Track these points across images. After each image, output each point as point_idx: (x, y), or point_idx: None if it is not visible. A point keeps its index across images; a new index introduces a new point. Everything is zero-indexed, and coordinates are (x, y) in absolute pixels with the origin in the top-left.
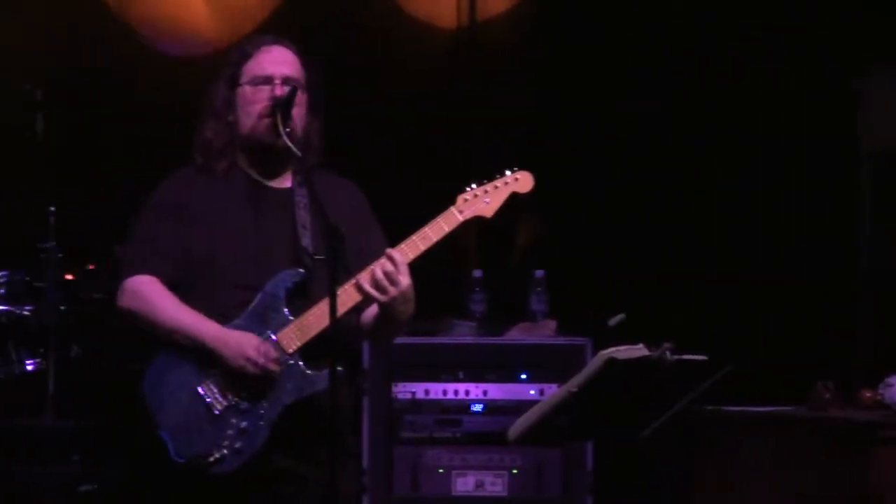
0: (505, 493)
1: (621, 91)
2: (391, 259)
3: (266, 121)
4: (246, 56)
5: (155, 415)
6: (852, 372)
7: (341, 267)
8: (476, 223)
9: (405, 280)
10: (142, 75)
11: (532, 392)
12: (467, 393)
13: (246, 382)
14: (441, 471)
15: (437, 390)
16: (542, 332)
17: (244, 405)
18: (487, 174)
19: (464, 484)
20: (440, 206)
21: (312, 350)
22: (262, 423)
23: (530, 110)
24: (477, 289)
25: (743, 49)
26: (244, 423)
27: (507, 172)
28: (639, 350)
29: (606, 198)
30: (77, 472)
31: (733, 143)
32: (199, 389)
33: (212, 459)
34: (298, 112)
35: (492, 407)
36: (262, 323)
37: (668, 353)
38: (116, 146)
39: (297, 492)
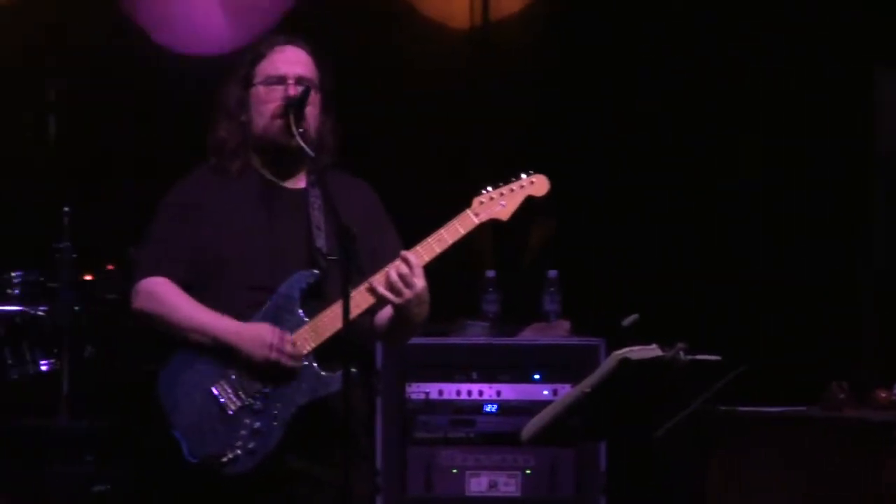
0: (518, 494)
1: (634, 91)
2: (406, 261)
3: (279, 121)
4: (259, 56)
5: (169, 415)
6: (864, 372)
7: (354, 267)
8: (490, 224)
9: (420, 282)
10: (154, 75)
11: (545, 392)
12: (481, 393)
13: (262, 378)
14: (454, 471)
15: (450, 391)
16: (555, 333)
17: (258, 406)
18: (500, 174)
19: (477, 484)
20: (453, 206)
21: (327, 351)
22: (275, 423)
23: (543, 110)
24: (490, 289)
25: (743, 49)
26: (258, 424)
27: (523, 175)
28: (652, 350)
29: (620, 197)
30: (91, 472)
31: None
32: (214, 390)
33: (225, 460)
34: (312, 112)
35: (505, 407)
36: (276, 324)
37: (681, 353)
38: (129, 146)
39: (311, 493)
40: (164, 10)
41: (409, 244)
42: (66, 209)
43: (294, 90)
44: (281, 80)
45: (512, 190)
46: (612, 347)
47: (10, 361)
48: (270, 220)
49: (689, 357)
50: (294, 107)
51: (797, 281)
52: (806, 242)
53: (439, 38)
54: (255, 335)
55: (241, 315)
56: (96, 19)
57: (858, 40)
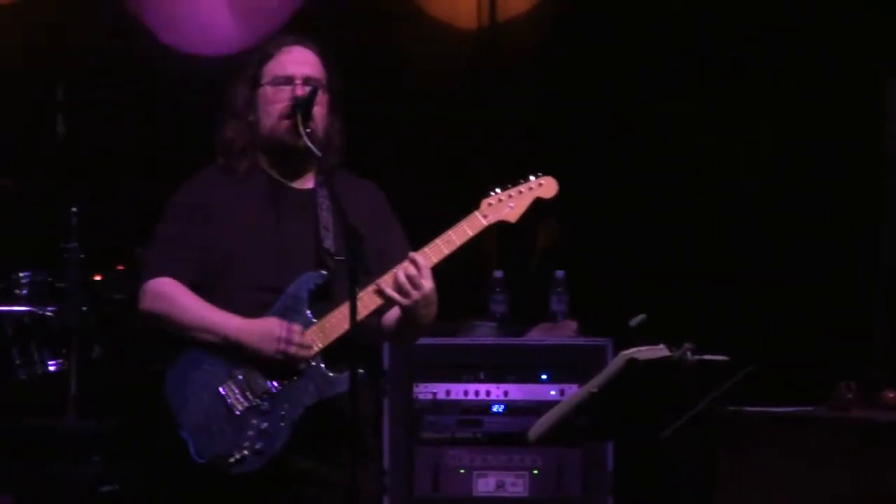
0: (526, 494)
1: (638, 91)
2: (414, 262)
3: (286, 122)
4: (267, 56)
5: (176, 415)
6: (873, 372)
7: (361, 268)
8: (497, 225)
9: (428, 284)
10: (162, 75)
11: (553, 392)
12: (488, 393)
13: (273, 374)
14: (462, 471)
15: (457, 391)
16: (562, 333)
17: (265, 406)
18: (507, 175)
19: (485, 484)
20: (459, 206)
21: (334, 352)
22: (282, 424)
23: (550, 111)
24: (498, 289)
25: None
26: (265, 425)
27: (532, 177)
28: (660, 350)
29: (624, 197)
30: (98, 472)
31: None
32: (221, 390)
33: (232, 460)
34: (319, 112)
35: (512, 407)
36: None
37: (688, 353)
38: (137, 146)
39: (318, 493)
40: (171, 10)
41: (416, 244)
42: (74, 209)
43: (302, 90)
44: (289, 80)
45: (520, 192)
46: (619, 347)
47: (18, 362)
48: (278, 220)
49: (697, 357)
50: (301, 107)
51: (806, 281)
52: (810, 242)
53: (446, 39)
54: (263, 330)
55: (249, 315)
56: (104, 19)
57: (860, 40)
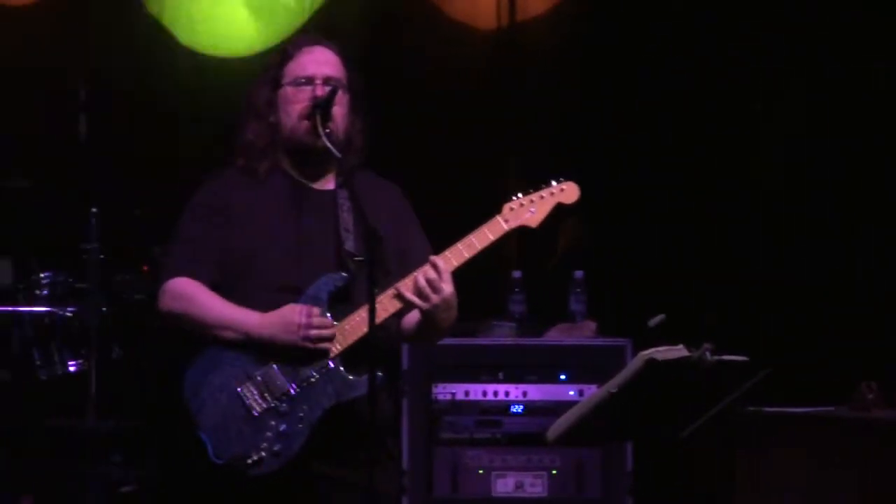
0: (545, 494)
1: (654, 90)
2: (435, 266)
3: (306, 122)
4: (287, 57)
5: (195, 415)
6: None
7: (380, 269)
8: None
9: (448, 288)
10: (184, 77)
11: (571, 393)
12: (507, 394)
13: (294, 373)
14: (481, 472)
15: (476, 391)
16: (581, 333)
17: (283, 408)
18: (528, 175)
19: (503, 485)
20: (478, 206)
21: (353, 355)
22: (300, 426)
23: (570, 111)
24: (517, 290)
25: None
26: (283, 427)
27: (553, 182)
28: (679, 351)
29: (646, 197)
30: (118, 472)
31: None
32: (240, 391)
33: (250, 461)
34: (340, 112)
35: (531, 408)
36: None
37: (707, 353)
38: (159, 147)
39: (336, 494)
40: (192, 14)
41: (433, 244)
42: (94, 210)
43: (322, 90)
44: (309, 80)
45: (542, 197)
46: (638, 348)
47: (38, 362)
48: (298, 221)
49: (716, 358)
50: (321, 107)
51: (833, 282)
52: (825, 242)
53: (466, 40)
54: (283, 320)
55: None
56: (125, 21)
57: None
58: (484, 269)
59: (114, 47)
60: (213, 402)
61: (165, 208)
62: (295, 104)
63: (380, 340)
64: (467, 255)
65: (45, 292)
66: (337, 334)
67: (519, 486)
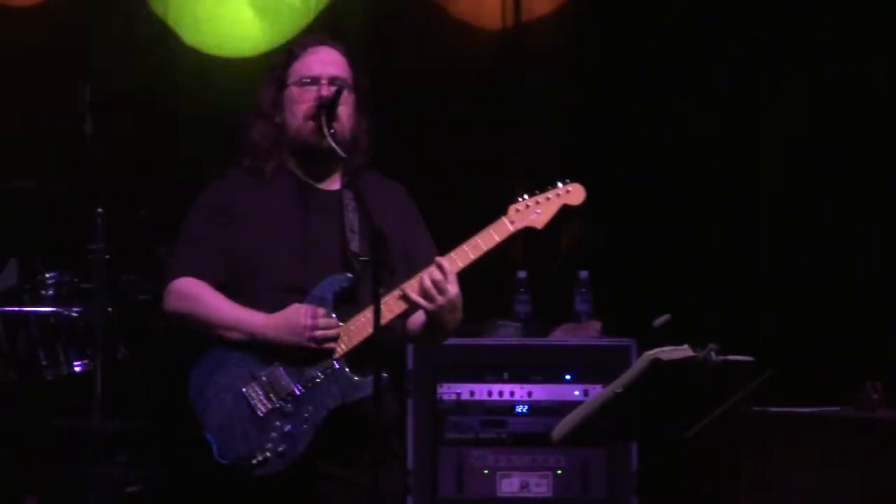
0: (550, 494)
1: (663, 90)
2: (440, 267)
3: (311, 123)
4: (293, 57)
5: (200, 416)
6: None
7: (385, 269)
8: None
9: (453, 289)
10: (189, 77)
11: (577, 393)
12: (512, 394)
13: (299, 374)
14: (486, 472)
15: (481, 391)
16: (586, 333)
17: (288, 408)
18: (531, 174)
19: (509, 485)
20: (481, 206)
21: (358, 355)
22: (306, 426)
23: (574, 111)
24: (522, 290)
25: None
26: (288, 427)
27: (559, 184)
28: (684, 351)
29: (649, 197)
30: (123, 472)
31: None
32: (245, 391)
33: (255, 462)
34: (345, 112)
35: (536, 408)
36: None
37: (712, 353)
38: (164, 147)
39: (341, 494)
40: (197, 13)
41: (438, 244)
42: (100, 210)
43: (327, 90)
44: (314, 80)
45: (548, 198)
46: (643, 348)
47: (44, 362)
48: (304, 221)
49: (721, 357)
50: (326, 107)
51: (839, 281)
52: (825, 242)
53: (470, 40)
54: (288, 320)
55: None
56: (131, 20)
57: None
58: (489, 269)
59: (118, 47)
60: (219, 403)
61: (170, 208)
62: (300, 104)
63: (385, 341)
64: (473, 256)
65: (51, 292)
66: (342, 335)
67: (524, 486)
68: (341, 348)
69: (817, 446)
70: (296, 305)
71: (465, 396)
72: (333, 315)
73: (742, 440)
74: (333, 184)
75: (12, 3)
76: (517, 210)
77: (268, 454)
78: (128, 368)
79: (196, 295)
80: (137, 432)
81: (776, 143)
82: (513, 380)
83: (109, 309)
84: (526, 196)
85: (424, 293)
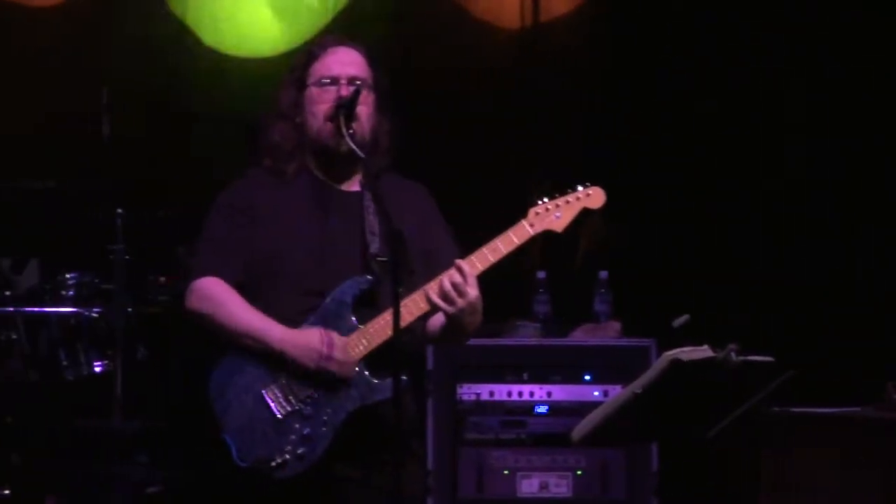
0: (570, 495)
1: (687, 91)
2: (460, 270)
3: (330, 124)
4: (313, 58)
5: (220, 417)
6: None
7: (405, 270)
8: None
9: (473, 292)
10: (207, 77)
11: (596, 393)
12: (532, 394)
13: (312, 384)
14: (506, 472)
15: (501, 392)
16: (606, 334)
17: (308, 411)
18: (551, 175)
19: (528, 485)
20: (501, 207)
21: (378, 358)
22: (324, 429)
23: (594, 111)
24: (541, 290)
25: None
26: (307, 430)
27: (580, 187)
28: (703, 351)
29: (668, 198)
30: (143, 473)
31: None
32: (264, 393)
33: (274, 464)
34: (365, 111)
35: (556, 408)
36: (327, 329)
37: (732, 354)
38: (182, 148)
39: (360, 496)
40: (215, 14)
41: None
42: (120, 211)
43: (346, 91)
44: (334, 80)
45: (568, 202)
46: (662, 348)
47: (64, 363)
48: (324, 223)
49: (741, 358)
50: (345, 107)
51: (853, 282)
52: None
53: (489, 40)
54: (304, 342)
55: (293, 320)
56: (148, 21)
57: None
58: (508, 269)
59: (137, 48)
60: (239, 404)
61: (190, 209)
62: (320, 105)
63: (404, 343)
64: (493, 259)
65: (72, 293)
66: (361, 337)
67: (544, 486)
68: (362, 351)
69: (838, 446)
70: (315, 329)
71: (485, 397)
72: (353, 318)
73: (762, 440)
74: (354, 185)
75: (32, 4)
76: (537, 213)
77: (287, 457)
78: (148, 369)
79: (219, 298)
80: (157, 433)
81: (776, 145)
82: (532, 380)
83: (130, 309)
84: (546, 199)
85: (444, 296)
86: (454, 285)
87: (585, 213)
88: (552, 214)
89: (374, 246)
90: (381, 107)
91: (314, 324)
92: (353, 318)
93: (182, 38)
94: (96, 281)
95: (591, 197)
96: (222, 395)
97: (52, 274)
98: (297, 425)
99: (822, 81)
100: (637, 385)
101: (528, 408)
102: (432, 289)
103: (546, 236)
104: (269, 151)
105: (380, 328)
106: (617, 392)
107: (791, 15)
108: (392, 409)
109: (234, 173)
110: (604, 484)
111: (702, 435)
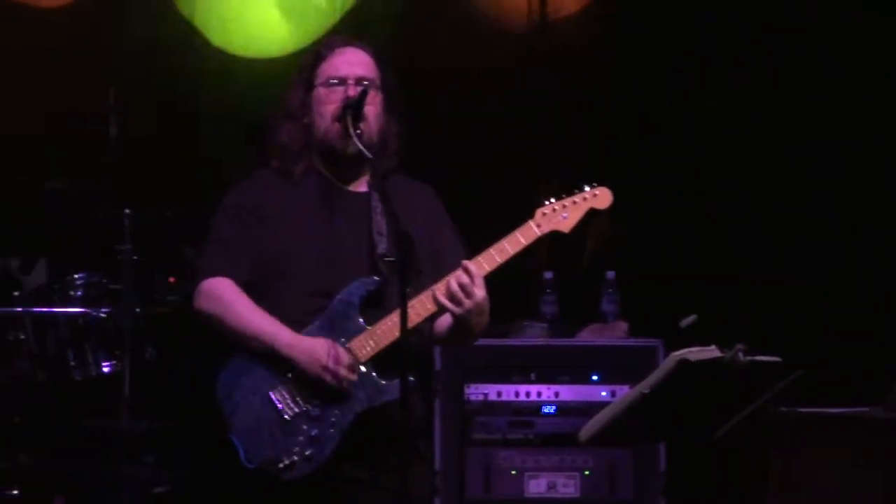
0: (577, 495)
1: (688, 91)
2: (467, 271)
3: (338, 125)
4: (320, 58)
5: (228, 418)
6: None
7: (412, 270)
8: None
9: (480, 292)
10: (215, 78)
11: (604, 393)
12: (539, 394)
13: (319, 388)
14: (513, 472)
15: (509, 392)
16: (613, 334)
17: (315, 412)
18: (558, 175)
19: (536, 486)
20: (509, 207)
21: (385, 359)
22: (332, 430)
23: (601, 111)
24: (548, 290)
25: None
26: (315, 431)
27: (587, 188)
28: (711, 351)
29: (676, 198)
30: (151, 473)
31: None
32: (272, 394)
33: (282, 465)
34: (373, 111)
35: (564, 408)
36: (335, 330)
37: (740, 354)
38: (190, 148)
39: (368, 497)
40: (223, 14)
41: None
42: (128, 211)
43: (354, 91)
44: (341, 81)
45: (575, 202)
46: (670, 348)
47: (72, 363)
48: (331, 223)
49: (749, 358)
50: (352, 108)
51: (861, 282)
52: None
53: (496, 39)
54: (310, 351)
55: (300, 320)
56: (155, 22)
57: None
58: (515, 270)
59: (145, 49)
60: (247, 405)
61: (197, 209)
62: (327, 105)
63: (412, 344)
64: (499, 260)
65: (80, 293)
66: (369, 339)
67: (551, 486)
68: (369, 353)
69: (846, 447)
70: (323, 340)
71: (493, 397)
72: (360, 319)
73: (770, 440)
74: (361, 185)
75: (39, 4)
76: (544, 214)
77: (295, 458)
78: (156, 369)
79: (227, 300)
80: (165, 433)
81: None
82: (540, 380)
83: (138, 310)
84: (553, 200)
85: (451, 296)
86: (461, 286)
87: (592, 214)
88: (559, 215)
89: (382, 246)
90: (388, 107)
91: (321, 325)
92: (361, 320)
93: (190, 38)
94: (104, 281)
95: (598, 197)
96: (230, 396)
97: (61, 274)
98: (304, 426)
99: (822, 81)
100: (645, 385)
101: (535, 408)
102: (439, 290)
103: (553, 237)
104: (277, 152)
105: (387, 329)
106: (624, 392)
107: (791, 15)
108: (400, 410)
109: (242, 173)
110: (611, 484)
111: (709, 435)
